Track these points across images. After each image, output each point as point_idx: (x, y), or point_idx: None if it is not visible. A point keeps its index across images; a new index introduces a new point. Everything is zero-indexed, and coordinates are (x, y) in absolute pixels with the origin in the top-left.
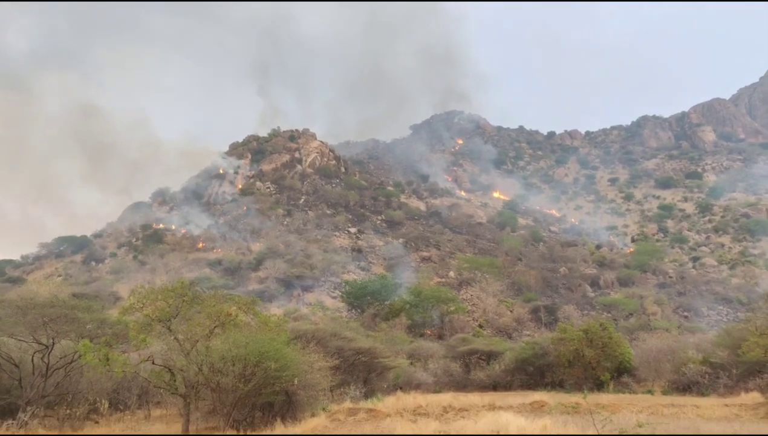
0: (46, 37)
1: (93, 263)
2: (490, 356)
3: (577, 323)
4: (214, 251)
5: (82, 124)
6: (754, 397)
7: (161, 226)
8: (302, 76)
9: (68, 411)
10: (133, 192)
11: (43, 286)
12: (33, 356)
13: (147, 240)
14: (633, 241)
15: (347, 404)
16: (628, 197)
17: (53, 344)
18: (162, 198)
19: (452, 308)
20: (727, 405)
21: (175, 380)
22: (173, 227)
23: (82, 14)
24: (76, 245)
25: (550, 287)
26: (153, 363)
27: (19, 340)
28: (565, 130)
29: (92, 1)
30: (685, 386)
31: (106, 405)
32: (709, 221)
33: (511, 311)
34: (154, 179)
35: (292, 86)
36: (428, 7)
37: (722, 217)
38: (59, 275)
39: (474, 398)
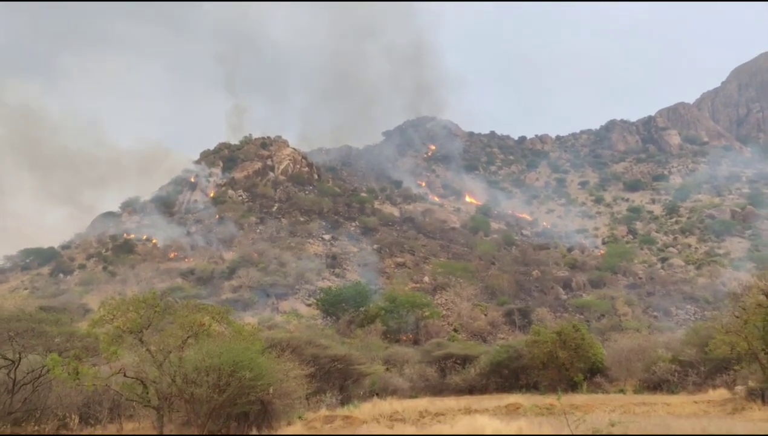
0: (6, 40)
1: (61, 275)
2: (465, 360)
3: (550, 326)
4: (186, 260)
5: (33, 130)
6: (722, 393)
7: (131, 236)
8: (273, 82)
9: (36, 427)
10: (93, 202)
11: (8, 299)
12: None
13: (117, 250)
14: (603, 243)
15: (323, 411)
16: (598, 200)
17: (20, 358)
18: (132, 207)
19: (427, 313)
20: (696, 402)
21: (147, 393)
22: (144, 237)
23: (45, 19)
24: (43, 257)
25: (524, 290)
26: (125, 376)
27: None
28: (536, 135)
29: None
30: (655, 385)
31: (76, 420)
32: (676, 223)
33: (485, 315)
34: (117, 188)
35: (264, 93)
36: (398, 8)
37: (688, 218)
38: (25, 288)
39: (450, 403)
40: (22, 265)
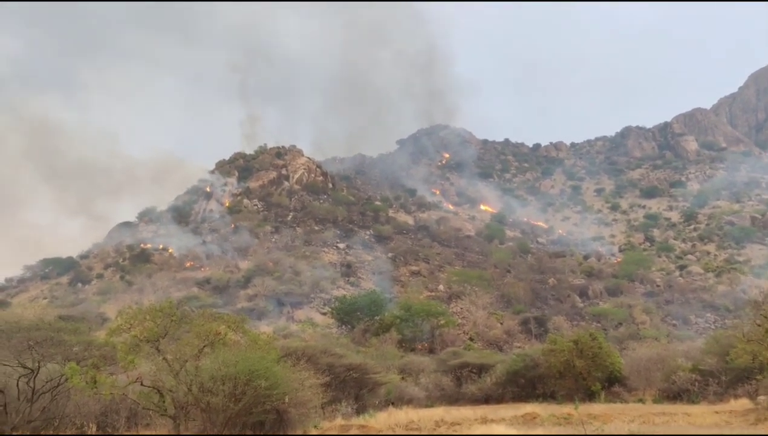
0: (26, 55)
1: (79, 285)
2: (481, 369)
3: (567, 334)
4: (202, 269)
5: (52, 142)
6: (744, 403)
7: (148, 245)
8: (286, 91)
9: None
10: (109, 213)
11: (28, 309)
12: (18, 381)
13: (134, 260)
14: (620, 250)
15: (339, 420)
16: (614, 207)
17: (39, 367)
18: (148, 217)
19: (442, 322)
20: (717, 412)
21: (164, 401)
22: (160, 246)
23: (63, 32)
24: (62, 266)
25: (540, 298)
26: (141, 384)
27: (4, 365)
28: (551, 142)
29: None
30: (675, 394)
31: (94, 428)
32: (695, 230)
33: (501, 324)
34: (132, 199)
35: (277, 101)
36: (409, 13)
37: (707, 225)
38: (45, 298)
39: (466, 412)
40: (41, 274)
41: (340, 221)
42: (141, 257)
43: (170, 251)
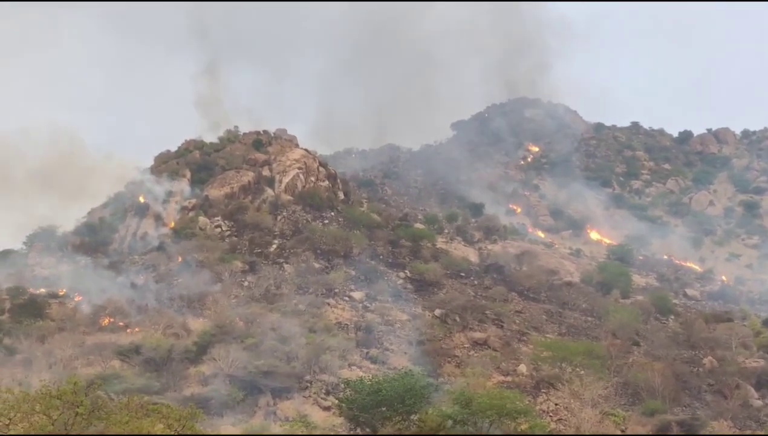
0: None
1: None
2: None
3: None
4: (129, 331)
5: None
6: None
7: (41, 290)
8: (272, 42)
9: None
10: None
11: None
12: None
13: (18, 313)
14: None
15: None
16: None
17: None
18: (43, 243)
19: (525, 427)
20: None
21: None
22: (61, 292)
23: None
24: None
25: (688, 389)
26: None
27: None
28: (708, 130)
29: None
30: None
31: None
32: None
33: (623, 430)
34: (13, 211)
35: (257, 59)
36: None
37: None
38: None
39: None
40: None
41: (356, 255)
42: (29, 309)
43: (76, 299)
